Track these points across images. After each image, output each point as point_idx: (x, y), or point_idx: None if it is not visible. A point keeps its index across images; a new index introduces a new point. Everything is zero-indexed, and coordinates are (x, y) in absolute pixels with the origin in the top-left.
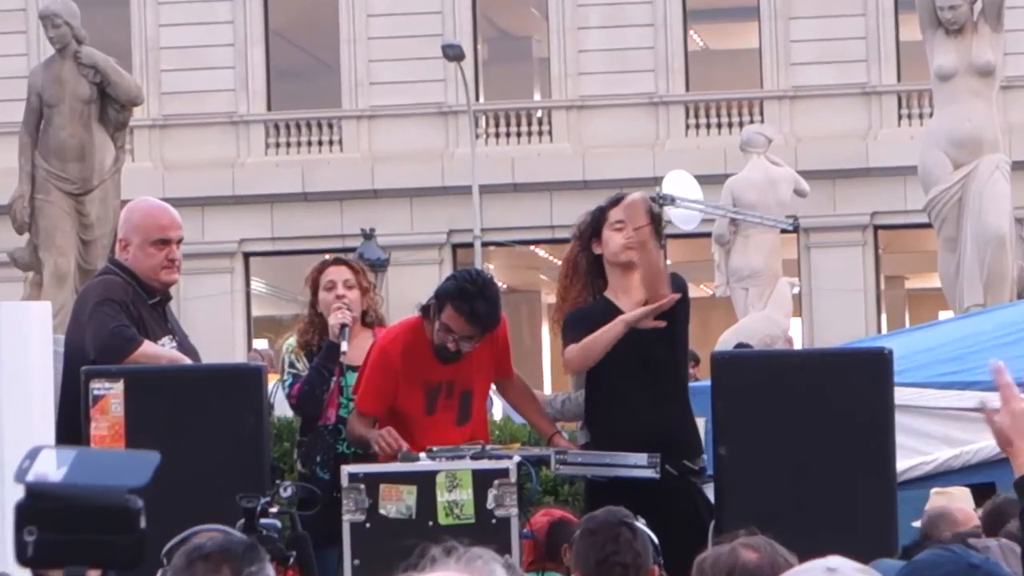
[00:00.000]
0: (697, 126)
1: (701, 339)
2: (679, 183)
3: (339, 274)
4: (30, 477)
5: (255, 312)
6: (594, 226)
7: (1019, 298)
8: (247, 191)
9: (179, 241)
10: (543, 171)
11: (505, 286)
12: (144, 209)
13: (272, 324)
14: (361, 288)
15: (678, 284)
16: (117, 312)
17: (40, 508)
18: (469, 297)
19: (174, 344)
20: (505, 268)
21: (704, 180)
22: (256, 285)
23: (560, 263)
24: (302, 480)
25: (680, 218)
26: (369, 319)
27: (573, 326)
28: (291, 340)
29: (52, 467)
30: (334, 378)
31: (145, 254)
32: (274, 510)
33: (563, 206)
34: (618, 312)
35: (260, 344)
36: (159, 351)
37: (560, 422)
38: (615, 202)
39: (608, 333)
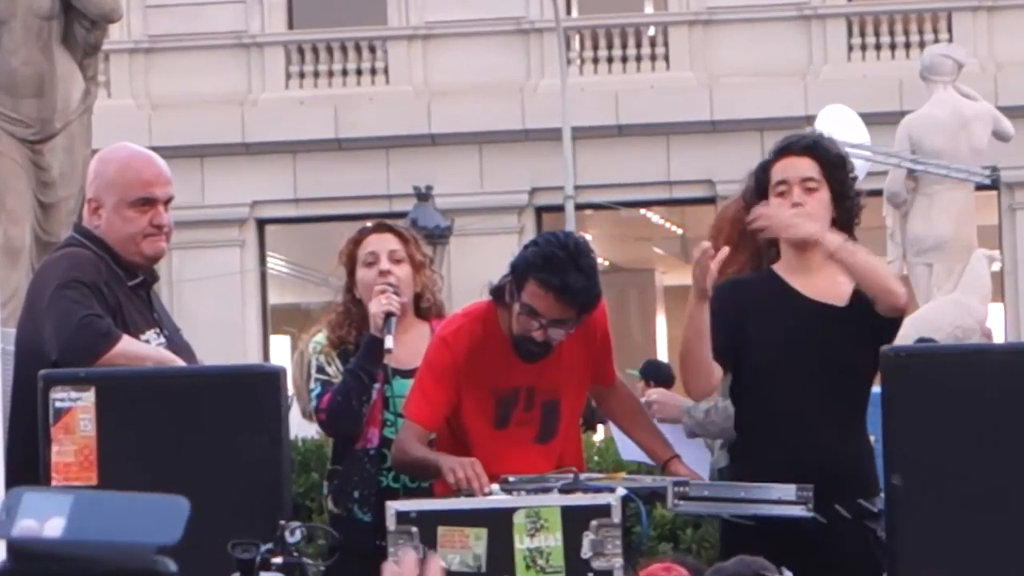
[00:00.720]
0: (863, 47)
1: None
2: (838, 122)
3: (383, 244)
4: (16, 531)
5: (272, 299)
6: (759, 190)
7: None
8: (261, 137)
9: (168, 201)
10: (657, 108)
11: (606, 262)
12: (121, 160)
13: (295, 315)
14: (413, 263)
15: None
16: (86, 297)
17: (31, 573)
18: (559, 266)
19: (162, 340)
20: (606, 238)
21: (872, 119)
22: (274, 263)
23: (679, 231)
24: (333, 523)
25: None
26: (424, 305)
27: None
28: (319, 336)
29: (43, 516)
30: (376, 385)
31: (122, 219)
32: (279, 560)
33: (684, 155)
34: (788, 289)
35: (279, 341)
36: (142, 349)
37: (698, 438)
38: (779, 153)
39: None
